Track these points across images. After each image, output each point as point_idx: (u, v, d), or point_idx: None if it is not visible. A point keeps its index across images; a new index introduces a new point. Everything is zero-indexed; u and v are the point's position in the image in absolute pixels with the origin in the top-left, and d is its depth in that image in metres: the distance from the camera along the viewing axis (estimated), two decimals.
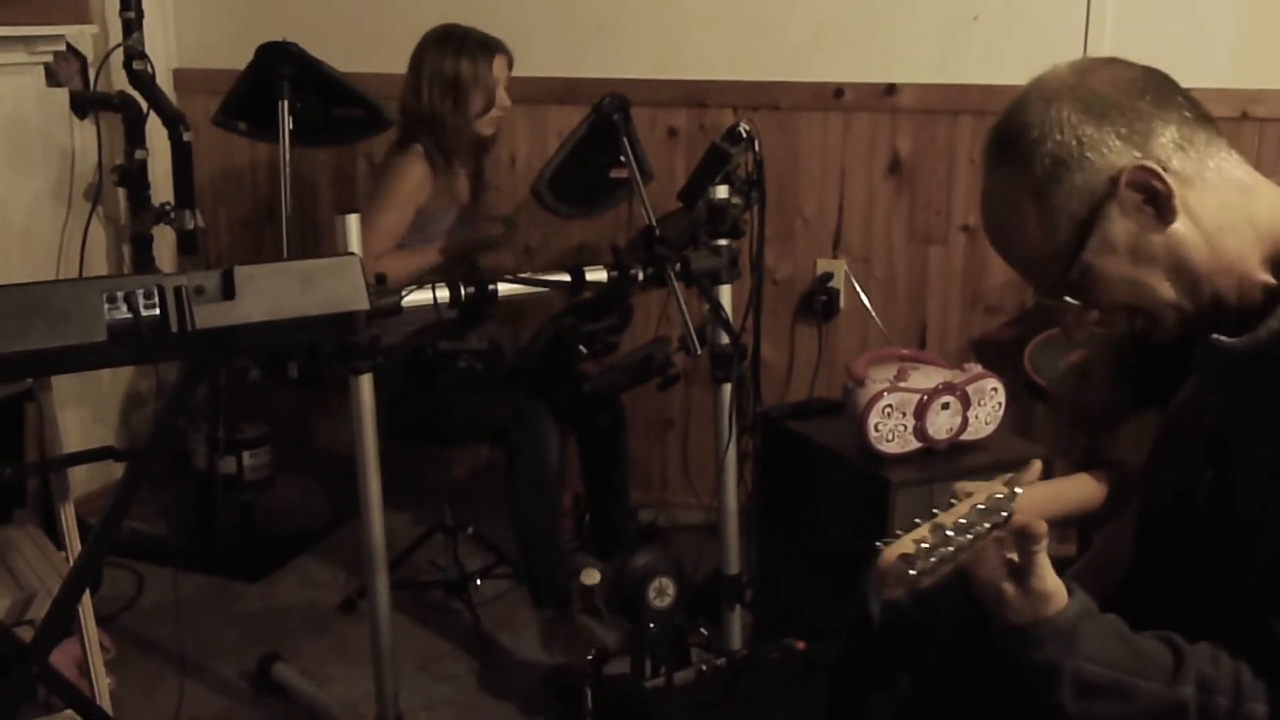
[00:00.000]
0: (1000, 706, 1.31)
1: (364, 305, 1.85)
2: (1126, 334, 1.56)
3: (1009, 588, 1.18)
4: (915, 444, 2.45)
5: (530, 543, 2.82)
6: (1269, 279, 1.21)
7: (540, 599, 2.84)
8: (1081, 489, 1.33)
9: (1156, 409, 1.41)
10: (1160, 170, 1.17)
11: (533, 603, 2.86)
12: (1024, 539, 1.16)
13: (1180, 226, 1.19)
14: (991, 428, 2.52)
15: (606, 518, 3.17)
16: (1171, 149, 1.19)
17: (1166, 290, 1.21)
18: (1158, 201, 1.18)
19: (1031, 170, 1.20)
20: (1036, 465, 1.29)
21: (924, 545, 1.11)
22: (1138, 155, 1.18)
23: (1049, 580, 1.18)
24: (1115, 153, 1.18)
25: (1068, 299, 1.24)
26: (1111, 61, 1.24)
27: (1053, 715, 1.20)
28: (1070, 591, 1.20)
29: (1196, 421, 1.34)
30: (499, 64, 2.94)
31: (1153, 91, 1.21)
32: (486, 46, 2.93)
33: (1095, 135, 1.19)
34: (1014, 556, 1.18)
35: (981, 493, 1.17)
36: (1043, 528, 1.16)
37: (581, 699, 2.43)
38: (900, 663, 1.46)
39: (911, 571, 1.09)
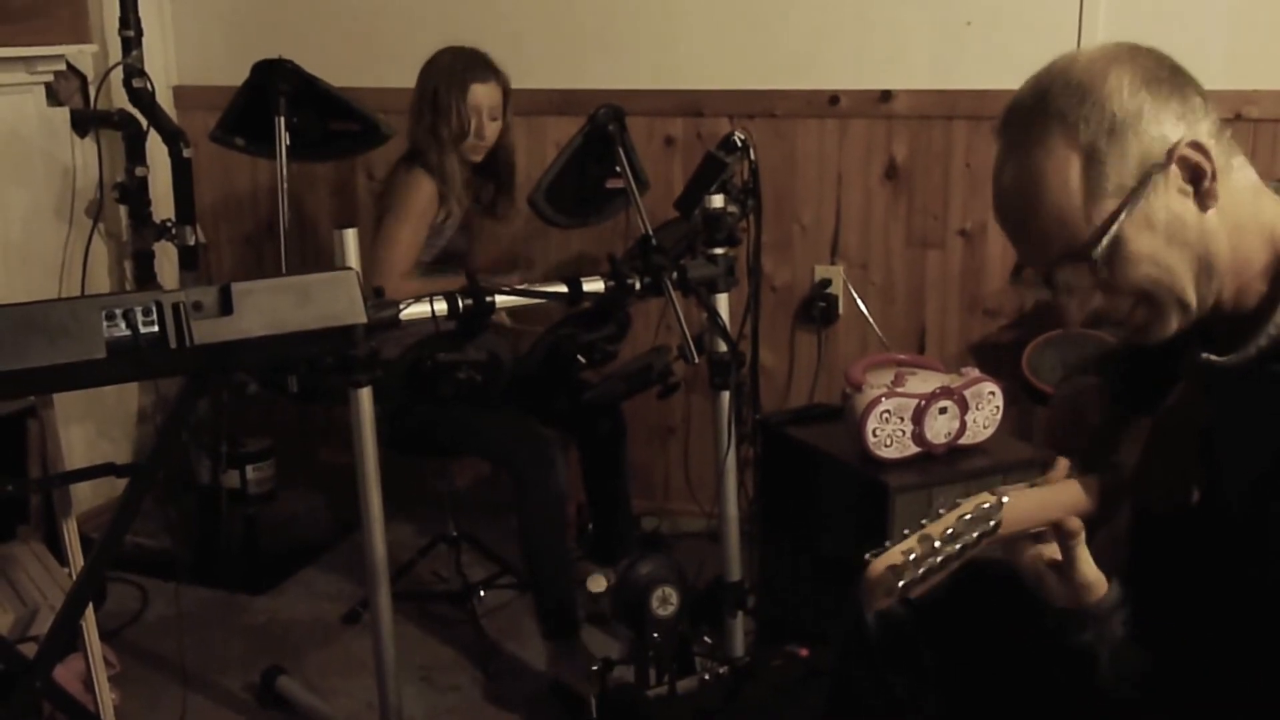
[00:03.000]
0: (993, 707, 1.32)
1: (361, 319, 1.87)
2: (1114, 353, 1.57)
3: (1051, 577, 1.25)
4: (914, 449, 2.45)
5: (541, 574, 2.78)
6: (1262, 287, 1.22)
7: (548, 628, 2.81)
8: (1071, 495, 1.33)
9: (1146, 414, 1.41)
10: (1210, 151, 1.18)
11: (542, 633, 2.82)
12: (1062, 535, 1.23)
13: (1213, 216, 1.20)
14: (990, 431, 2.53)
15: (609, 526, 3.18)
16: (1211, 137, 1.20)
17: (1187, 280, 1.21)
18: (1200, 184, 1.18)
19: (1084, 129, 1.18)
20: (1063, 463, 1.31)
21: (912, 556, 1.12)
22: (1188, 133, 1.18)
23: (1089, 572, 1.24)
24: (1170, 127, 1.18)
25: (1097, 273, 1.21)
26: (1149, 48, 1.24)
27: (1086, 695, 1.26)
28: (1110, 582, 1.25)
29: (1187, 424, 1.35)
30: (480, 92, 2.88)
31: (1194, 83, 1.22)
32: (467, 74, 2.88)
33: (1153, 104, 1.18)
34: (1054, 550, 1.24)
35: (969, 503, 1.18)
36: (1077, 524, 1.22)
37: (586, 709, 2.43)
38: (895, 668, 1.47)
39: (900, 582, 1.11)
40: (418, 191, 2.90)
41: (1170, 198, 1.18)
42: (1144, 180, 1.18)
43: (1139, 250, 1.20)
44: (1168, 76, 1.20)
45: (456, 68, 2.89)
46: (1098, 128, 1.18)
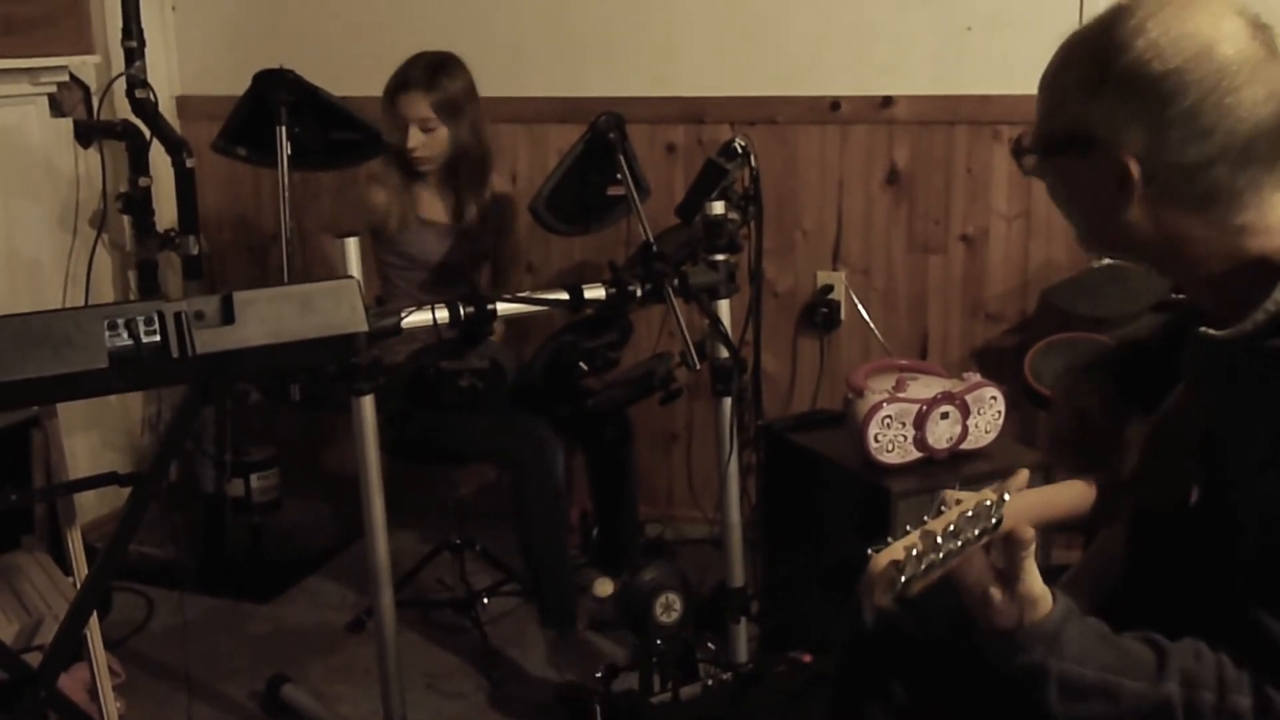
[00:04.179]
0: (994, 713, 1.32)
1: (363, 327, 1.87)
2: (1113, 355, 1.57)
3: (996, 593, 1.19)
4: (915, 454, 2.46)
5: (539, 562, 2.84)
6: (1252, 275, 1.22)
7: (547, 617, 2.86)
8: (1071, 495, 1.33)
9: (1145, 416, 1.42)
10: (1150, 175, 1.20)
11: (540, 621, 2.87)
12: (1012, 545, 1.17)
13: (1136, 212, 1.23)
14: (992, 436, 2.53)
15: (614, 532, 3.18)
16: (1195, 164, 1.20)
17: (1100, 233, 1.30)
18: (1124, 187, 1.22)
19: (1112, 64, 1.21)
20: (1023, 474, 1.29)
21: (914, 552, 1.12)
22: (1140, 149, 1.20)
23: (1035, 585, 1.18)
24: (1129, 132, 1.20)
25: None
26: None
27: (1041, 718, 1.20)
28: (1055, 596, 1.20)
29: (1187, 424, 1.35)
30: (403, 104, 2.90)
31: (1231, 115, 1.20)
32: (395, 87, 2.92)
33: (1127, 109, 1.20)
34: (1000, 562, 1.19)
35: (971, 500, 1.18)
36: (1030, 534, 1.17)
37: (591, 715, 2.43)
38: (896, 671, 1.47)
39: (901, 577, 1.10)
40: (367, 197, 2.98)
41: (1097, 177, 1.23)
42: (1084, 146, 1.23)
43: (1057, 193, 1.30)
44: (1170, 94, 1.18)
45: (392, 81, 2.94)
46: (1117, 72, 1.20)
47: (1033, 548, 1.18)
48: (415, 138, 2.91)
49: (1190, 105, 1.17)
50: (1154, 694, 1.18)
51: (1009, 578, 1.18)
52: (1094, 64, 1.22)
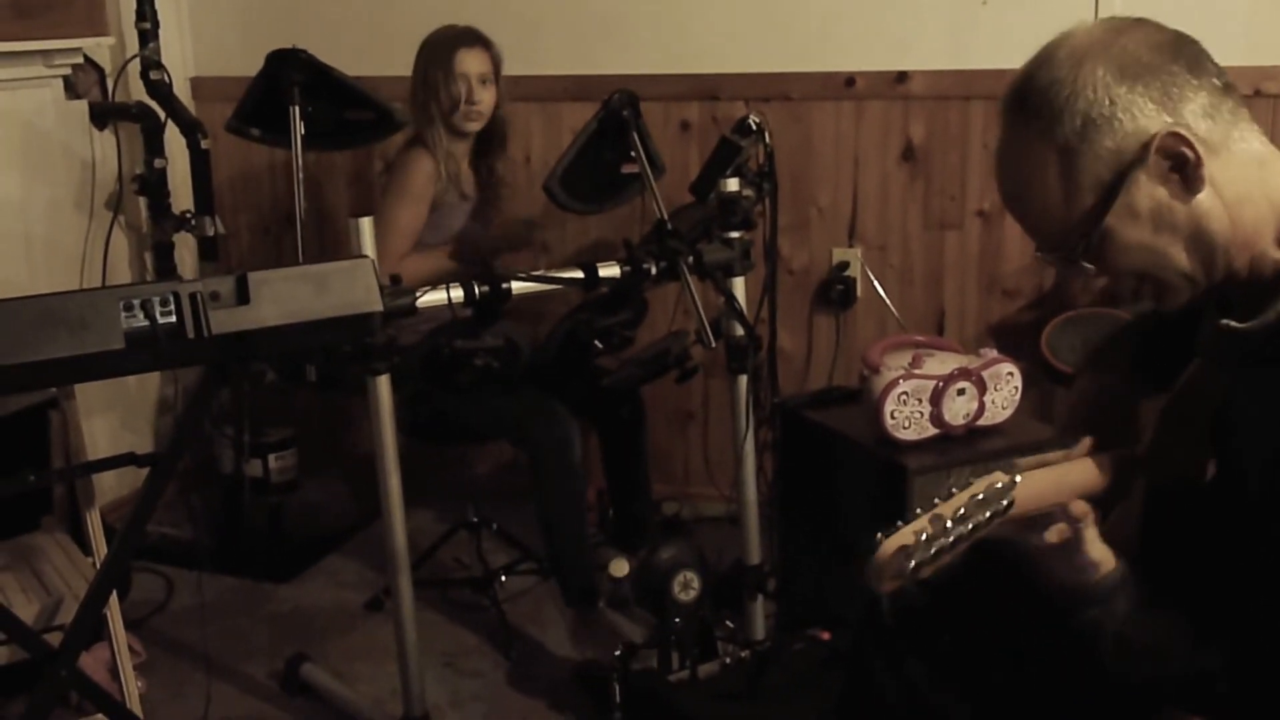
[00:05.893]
0: (1008, 689, 1.32)
1: (378, 307, 1.88)
2: (1135, 325, 1.56)
3: (1058, 556, 1.24)
4: (932, 430, 2.45)
5: (558, 541, 2.84)
6: (1277, 254, 1.21)
7: (568, 597, 2.87)
8: (1084, 473, 1.32)
9: (1161, 392, 1.41)
10: (1191, 138, 1.16)
11: (562, 600, 2.88)
12: (1069, 517, 1.23)
13: (1204, 197, 1.18)
14: (1009, 412, 2.52)
15: (630, 512, 3.19)
16: (1200, 116, 1.17)
17: (1183, 260, 1.20)
18: (1185, 170, 1.17)
19: (1059, 128, 1.18)
20: (1086, 441, 1.31)
21: (924, 536, 1.12)
22: (1169, 120, 1.16)
23: (1095, 550, 1.24)
24: (1147, 116, 1.16)
25: (1082, 263, 1.22)
26: (1143, 22, 1.22)
27: (1093, 673, 1.26)
28: (1117, 559, 1.25)
29: (1202, 402, 1.34)
30: (465, 59, 2.91)
31: (1185, 56, 1.19)
32: (452, 43, 2.92)
33: (1128, 97, 1.16)
34: (1064, 528, 1.24)
35: (982, 482, 1.18)
36: (1081, 508, 1.22)
37: (609, 693, 2.44)
38: (910, 649, 1.47)
39: (910, 563, 1.11)
40: (415, 171, 2.93)
41: (1153, 188, 1.18)
42: (1121, 176, 1.17)
43: (1126, 241, 1.20)
44: (1150, 59, 1.18)
45: (441, 42, 2.94)
46: (1070, 127, 1.18)
47: (1090, 518, 1.23)
48: (479, 91, 2.93)
49: (1151, 76, 1.17)
50: (1200, 663, 1.22)
51: (1072, 544, 1.23)
52: (1052, 152, 1.19)
